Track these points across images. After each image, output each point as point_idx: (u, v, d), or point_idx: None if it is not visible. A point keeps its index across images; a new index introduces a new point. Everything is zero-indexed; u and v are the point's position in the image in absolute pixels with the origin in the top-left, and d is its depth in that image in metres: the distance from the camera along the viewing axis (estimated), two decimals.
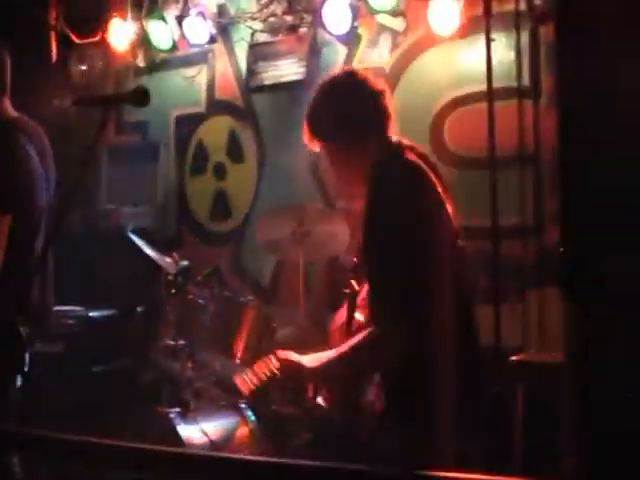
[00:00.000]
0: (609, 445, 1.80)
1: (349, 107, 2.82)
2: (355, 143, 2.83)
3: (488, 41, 4.83)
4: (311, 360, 2.76)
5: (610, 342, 1.85)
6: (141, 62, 6.33)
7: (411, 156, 2.79)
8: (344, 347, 2.70)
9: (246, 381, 2.84)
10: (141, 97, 3.14)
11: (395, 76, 5.42)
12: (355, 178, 2.85)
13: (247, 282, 6.07)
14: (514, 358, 4.33)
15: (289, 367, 2.77)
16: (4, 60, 4.13)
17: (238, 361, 4.48)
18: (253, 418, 4.58)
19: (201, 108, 6.36)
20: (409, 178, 2.72)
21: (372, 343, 2.62)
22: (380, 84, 2.86)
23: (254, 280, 6.05)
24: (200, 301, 4.54)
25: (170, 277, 4.58)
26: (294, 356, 2.79)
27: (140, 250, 4.75)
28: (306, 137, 2.91)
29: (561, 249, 1.90)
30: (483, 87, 4.92)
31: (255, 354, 4.48)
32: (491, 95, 4.86)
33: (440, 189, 2.75)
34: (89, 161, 2.98)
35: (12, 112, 4.07)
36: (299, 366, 2.76)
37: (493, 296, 4.70)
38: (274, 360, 2.79)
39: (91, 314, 5.44)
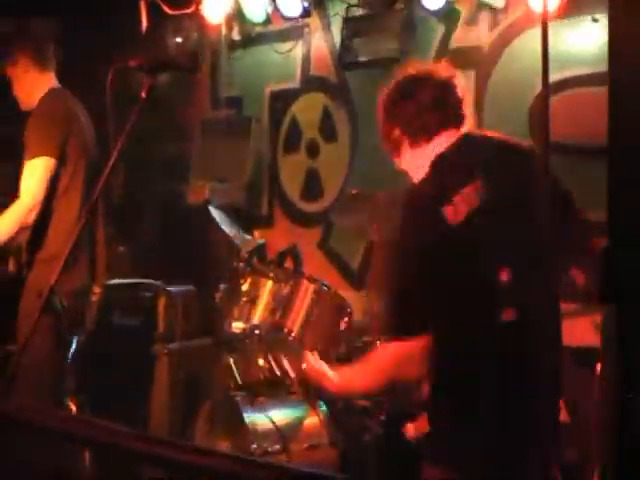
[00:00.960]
0: None
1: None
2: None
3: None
4: (336, 376, 2.87)
5: None
6: (236, 35, 6.24)
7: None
8: (364, 363, 2.85)
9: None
10: (190, 63, 3.05)
11: (494, 56, 5.16)
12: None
13: (336, 265, 5.92)
14: None
15: (310, 378, 2.99)
16: (45, 35, 4.30)
17: (309, 348, 4.33)
18: (324, 408, 4.45)
19: (295, 84, 6.21)
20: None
21: (389, 354, 2.74)
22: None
23: (343, 263, 5.89)
24: (271, 281, 4.41)
25: (244, 255, 4.50)
26: (322, 368, 2.93)
27: (221, 228, 4.70)
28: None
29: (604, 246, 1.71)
30: (585, 70, 4.65)
31: (329, 341, 4.36)
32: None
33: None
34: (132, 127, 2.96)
35: (56, 84, 4.34)
36: (319, 381, 2.92)
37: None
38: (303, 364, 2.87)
39: (169, 288, 5.41)
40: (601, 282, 1.73)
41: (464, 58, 5.22)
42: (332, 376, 2.87)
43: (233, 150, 6.20)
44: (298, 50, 6.15)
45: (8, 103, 4.41)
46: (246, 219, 5.79)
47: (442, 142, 2.79)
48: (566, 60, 4.81)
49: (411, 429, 2.88)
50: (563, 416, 4.33)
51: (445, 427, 2.63)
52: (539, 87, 4.88)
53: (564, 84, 4.85)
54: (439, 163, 2.74)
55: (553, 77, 4.88)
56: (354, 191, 4.89)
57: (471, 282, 2.58)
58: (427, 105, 2.79)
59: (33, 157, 3.99)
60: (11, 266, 4.01)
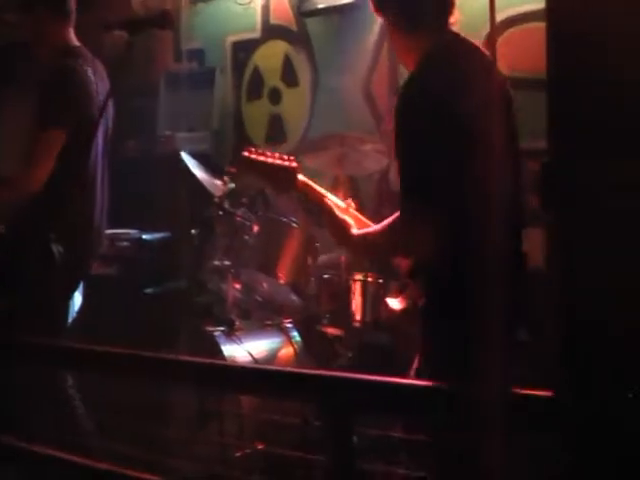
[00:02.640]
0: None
1: None
2: (409, 30, 2.82)
3: None
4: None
5: (589, 253, 1.84)
6: None
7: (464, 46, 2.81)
8: (381, 225, 2.78)
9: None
10: (164, 20, 3.21)
11: None
12: (409, 63, 2.85)
13: (302, 204, 6.12)
14: None
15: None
16: None
17: (282, 282, 4.56)
18: (298, 338, 4.69)
19: (256, 34, 6.38)
20: (453, 66, 2.71)
21: (398, 228, 2.67)
22: None
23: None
24: (246, 223, 4.61)
25: (217, 199, 4.67)
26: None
27: (193, 174, 4.85)
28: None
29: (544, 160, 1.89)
30: (540, 5, 4.83)
31: (299, 276, 4.59)
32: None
33: (496, 86, 2.72)
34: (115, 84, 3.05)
35: (75, 41, 4.19)
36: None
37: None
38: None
39: (145, 237, 5.58)
40: (542, 193, 1.91)
41: None
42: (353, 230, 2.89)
43: (198, 100, 6.36)
44: (258, 0, 6.31)
45: None
46: (214, 166, 5.97)
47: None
48: None
49: (398, 301, 2.97)
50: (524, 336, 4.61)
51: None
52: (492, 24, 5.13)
53: (517, 20, 5.07)
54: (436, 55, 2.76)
55: (507, 13, 5.11)
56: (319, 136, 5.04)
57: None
58: None
59: (43, 129, 3.91)
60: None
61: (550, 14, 2.01)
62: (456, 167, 2.59)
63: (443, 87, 2.63)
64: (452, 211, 2.60)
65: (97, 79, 4.11)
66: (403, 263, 2.89)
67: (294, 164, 3.02)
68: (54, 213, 3.54)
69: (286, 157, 3.04)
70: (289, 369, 2.55)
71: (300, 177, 3.04)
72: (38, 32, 4.13)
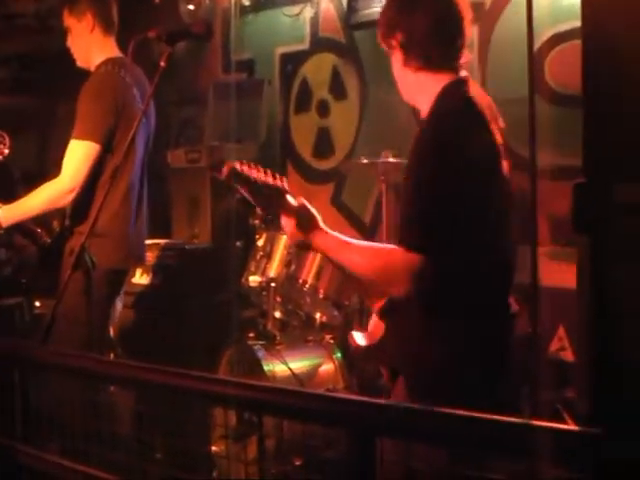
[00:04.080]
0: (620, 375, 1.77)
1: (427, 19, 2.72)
2: (426, 67, 2.74)
3: None
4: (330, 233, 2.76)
5: (623, 277, 1.80)
6: (247, 1, 6.38)
7: (473, 91, 2.74)
8: (369, 245, 2.76)
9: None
10: (203, 31, 3.20)
11: (496, 10, 5.29)
12: (418, 99, 2.82)
13: (348, 219, 6.11)
14: None
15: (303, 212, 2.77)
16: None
17: (324, 297, 4.52)
18: (339, 355, 4.65)
19: (305, 45, 6.37)
20: (464, 112, 2.67)
21: (387, 256, 2.63)
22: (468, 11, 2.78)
23: (355, 217, 6.08)
24: (285, 235, 4.58)
25: (259, 211, 4.65)
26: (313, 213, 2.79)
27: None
28: (378, 36, 2.91)
29: (577, 181, 1.85)
30: None
31: (341, 291, 4.56)
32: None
33: (496, 131, 2.70)
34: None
35: (117, 52, 4.19)
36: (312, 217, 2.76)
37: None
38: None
39: (188, 247, 5.59)
40: (575, 214, 1.87)
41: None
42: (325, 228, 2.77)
43: (246, 111, 6.36)
44: (307, 12, 6.30)
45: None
46: None
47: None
48: (568, 12, 4.94)
49: (359, 338, 2.84)
50: (568, 356, 4.54)
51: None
52: (540, 39, 5.09)
53: (566, 35, 4.98)
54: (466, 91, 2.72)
55: (556, 29, 5.04)
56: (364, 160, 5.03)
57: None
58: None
59: (79, 138, 3.92)
60: (55, 226, 4.10)
61: (586, 31, 1.96)
62: (467, 213, 2.57)
63: (462, 131, 2.62)
64: (455, 257, 2.56)
65: (139, 89, 4.12)
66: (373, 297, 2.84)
67: (285, 185, 2.88)
68: (89, 222, 3.54)
69: (277, 176, 2.91)
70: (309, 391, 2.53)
71: (289, 198, 2.84)
72: (83, 41, 4.15)
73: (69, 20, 4.15)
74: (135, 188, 4.12)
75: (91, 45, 4.14)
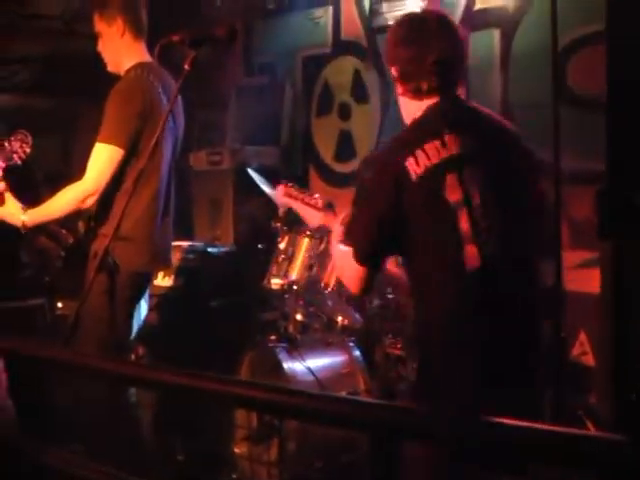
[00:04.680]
0: None
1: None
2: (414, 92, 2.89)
3: None
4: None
5: None
6: (270, 4, 6.40)
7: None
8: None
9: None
10: (229, 36, 3.21)
11: (518, 15, 5.29)
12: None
13: None
14: None
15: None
16: (142, 3, 4.25)
17: (345, 300, 4.54)
18: (360, 358, 4.65)
19: (327, 49, 6.39)
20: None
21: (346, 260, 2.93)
22: (464, 36, 2.97)
23: None
24: (307, 238, 4.61)
25: (281, 213, 4.67)
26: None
27: (261, 188, 4.87)
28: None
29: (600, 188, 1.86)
30: None
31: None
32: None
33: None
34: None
35: (147, 57, 4.20)
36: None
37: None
38: None
39: (210, 249, 5.61)
40: (599, 221, 1.88)
41: (489, 18, 5.37)
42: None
43: (268, 114, 6.38)
44: (329, 16, 6.32)
45: None
46: (282, 180, 5.99)
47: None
48: (590, 15, 4.92)
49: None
50: (588, 360, 4.53)
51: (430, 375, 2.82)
52: (562, 43, 5.07)
53: (588, 39, 4.97)
54: (416, 119, 2.89)
55: (578, 32, 5.03)
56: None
57: (433, 229, 2.78)
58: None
59: (104, 142, 3.91)
60: (80, 227, 4.13)
61: (610, 43, 1.97)
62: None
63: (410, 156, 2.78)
64: None
65: (166, 93, 4.12)
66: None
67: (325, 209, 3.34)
68: (113, 225, 3.56)
69: (320, 202, 3.31)
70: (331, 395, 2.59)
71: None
72: (113, 46, 4.14)
73: (100, 25, 4.14)
74: (162, 192, 4.12)
75: (121, 50, 4.12)
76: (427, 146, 2.75)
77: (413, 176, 2.73)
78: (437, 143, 2.75)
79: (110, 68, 4.20)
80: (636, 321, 1.79)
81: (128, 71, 4.10)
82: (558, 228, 2.86)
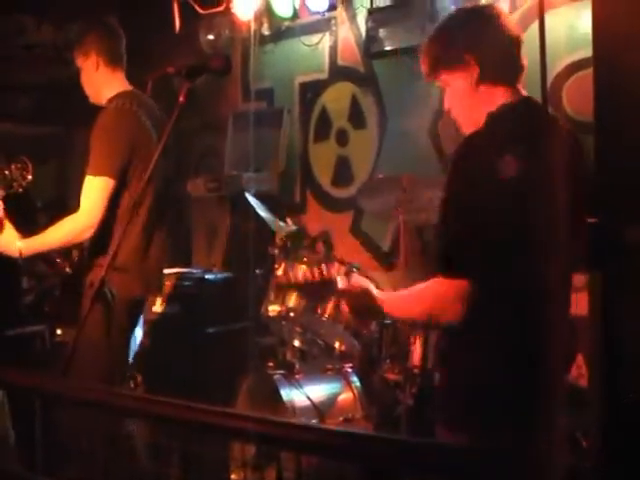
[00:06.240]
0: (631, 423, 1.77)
1: (485, 36, 2.78)
2: (480, 80, 2.76)
3: None
4: (380, 294, 2.89)
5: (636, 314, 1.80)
6: (266, 30, 6.43)
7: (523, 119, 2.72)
8: (411, 291, 2.78)
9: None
10: (222, 66, 3.23)
11: None
12: (472, 122, 2.79)
13: (367, 247, 6.12)
14: None
15: (353, 292, 2.96)
16: (119, 33, 4.33)
17: (343, 326, 4.53)
18: (358, 384, 4.65)
19: (324, 75, 6.42)
20: (504, 142, 2.64)
21: (432, 289, 2.66)
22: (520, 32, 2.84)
23: (374, 245, 6.09)
24: (305, 265, 4.60)
25: (279, 240, 4.67)
26: (366, 283, 2.97)
27: (258, 214, 4.88)
28: (425, 70, 2.92)
29: (590, 219, 1.86)
30: None
31: (360, 321, 4.56)
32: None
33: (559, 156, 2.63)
34: (167, 131, 3.08)
35: (127, 86, 4.26)
36: (367, 291, 2.90)
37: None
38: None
39: (208, 276, 5.61)
40: (590, 253, 1.87)
41: None
42: (376, 293, 2.89)
43: (266, 140, 6.40)
44: (326, 42, 6.34)
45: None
46: (280, 206, 6.01)
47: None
48: (587, 39, 4.93)
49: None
50: (585, 383, 4.52)
51: (463, 385, 2.69)
52: (558, 67, 5.10)
53: (584, 63, 5.00)
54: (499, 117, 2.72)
55: (573, 57, 5.06)
56: (380, 176, 5.09)
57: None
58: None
59: (93, 174, 3.96)
60: (74, 256, 4.15)
61: (597, 63, 1.97)
62: (502, 236, 2.57)
63: (506, 155, 2.59)
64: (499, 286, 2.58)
65: (151, 119, 4.18)
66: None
67: (333, 275, 3.20)
68: (108, 255, 3.58)
69: (325, 269, 3.06)
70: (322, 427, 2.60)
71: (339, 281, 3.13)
72: (91, 78, 4.25)
73: (78, 59, 4.25)
74: (152, 220, 4.16)
75: (99, 82, 4.22)
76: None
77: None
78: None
79: (92, 100, 4.30)
80: (623, 353, 1.79)
81: (110, 101, 4.18)
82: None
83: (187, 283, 5.46)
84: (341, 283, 3.05)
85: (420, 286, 2.74)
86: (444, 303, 2.61)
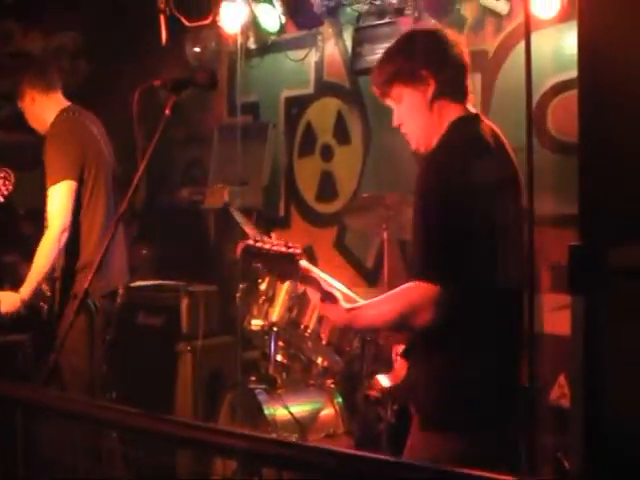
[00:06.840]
0: (614, 443, 1.78)
1: (433, 54, 2.85)
2: (435, 97, 2.80)
3: None
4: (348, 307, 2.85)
5: (617, 337, 1.82)
6: (252, 44, 6.42)
7: (483, 129, 2.81)
8: (382, 296, 2.78)
9: None
10: (208, 80, 3.24)
11: (499, 60, 5.35)
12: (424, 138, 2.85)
13: (350, 263, 6.13)
14: None
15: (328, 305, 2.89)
16: (45, 56, 4.52)
17: (325, 342, 4.53)
18: (340, 400, 4.65)
19: (309, 90, 6.43)
20: (470, 147, 2.75)
21: (406, 293, 2.66)
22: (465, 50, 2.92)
23: (357, 261, 6.10)
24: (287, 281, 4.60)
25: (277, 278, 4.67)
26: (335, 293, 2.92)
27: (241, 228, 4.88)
28: (379, 82, 2.98)
29: (571, 243, 1.87)
30: None
31: (342, 336, 4.56)
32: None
33: (507, 172, 2.80)
34: (150, 144, 3.10)
35: (65, 102, 4.49)
36: (337, 305, 2.86)
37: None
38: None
39: (191, 289, 5.61)
40: (569, 276, 1.88)
41: (470, 62, 5.41)
42: (344, 304, 2.87)
43: (251, 154, 6.40)
44: (312, 57, 6.36)
45: None
46: (264, 221, 6.01)
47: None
48: (572, 60, 4.98)
49: (384, 380, 3.03)
50: (567, 403, 4.54)
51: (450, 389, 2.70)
52: (543, 88, 5.14)
53: (569, 84, 5.03)
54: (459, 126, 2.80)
55: (559, 78, 5.09)
56: (364, 195, 5.12)
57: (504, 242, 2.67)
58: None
59: (54, 182, 4.13)
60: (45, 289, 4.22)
61: (582, 84, 1.98)
62: (474, 242, 2.63)
63: (465, 170, 2.65)
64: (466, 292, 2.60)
65: (96, 125, 4.44)
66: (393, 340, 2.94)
67: (298, 251, 2.98)
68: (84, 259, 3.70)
69: (290, 244, 3.00)
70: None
71: (303, 263, 2.99)
72: (33, 113, 4.43)
73: (18, 102, 4.46)
74: (110, 217, 4.29)
75: (39, 111, 4.41)
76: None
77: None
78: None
79: (41, 131, 4.45)
80: (604, 374, 1.80)
81: (53, 121, 4.36)
82: (532, 271, 2.87)
83: (171, 295, 5.46)
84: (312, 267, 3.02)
85: (394, 290, 2.76)
86: (416, 305, 2.61)
